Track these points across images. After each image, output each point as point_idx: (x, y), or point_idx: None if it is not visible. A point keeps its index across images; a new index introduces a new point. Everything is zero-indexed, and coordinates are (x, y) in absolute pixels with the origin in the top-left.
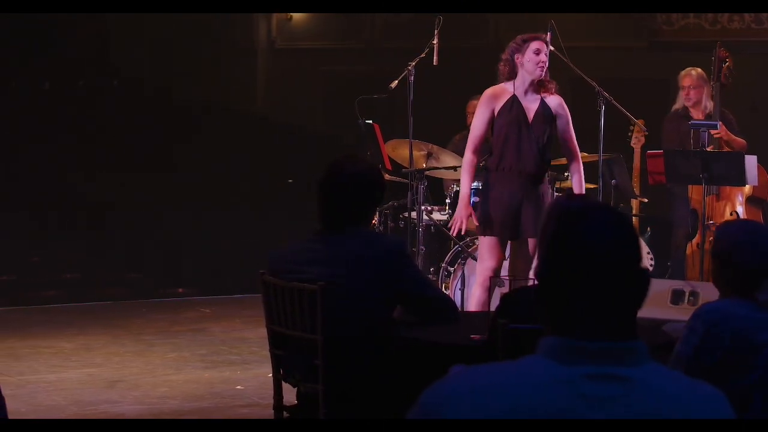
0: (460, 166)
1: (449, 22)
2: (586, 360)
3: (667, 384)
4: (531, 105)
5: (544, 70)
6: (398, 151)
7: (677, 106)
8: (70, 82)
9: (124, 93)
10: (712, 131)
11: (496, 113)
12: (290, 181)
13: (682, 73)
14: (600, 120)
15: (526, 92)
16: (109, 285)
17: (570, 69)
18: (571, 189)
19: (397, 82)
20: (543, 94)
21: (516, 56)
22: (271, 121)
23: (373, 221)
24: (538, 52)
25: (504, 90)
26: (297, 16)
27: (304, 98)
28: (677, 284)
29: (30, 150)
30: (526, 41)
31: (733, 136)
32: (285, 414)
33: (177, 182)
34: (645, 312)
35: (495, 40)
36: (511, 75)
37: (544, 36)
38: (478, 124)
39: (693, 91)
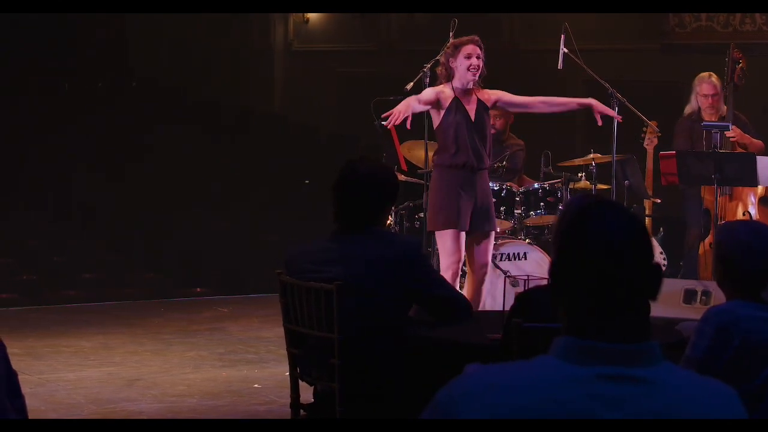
0: None
1: (464, 23)
2: (599, 360)
3: (679, 383)
4: (470, 105)
5: (477, 73)
6: (414, 152)
7: (690, 109)
8: (89, 82)
9: (143, 93)
10: (727, 133)
11: (441, 111)
12: (306, 181)
13: (699, 79)
14: (613, 121)
15: (463, 93)
16: (127, 285)
17: (583, 71)
18: (586, 190)
19: (412, 83)
20: (476, 93)
21: (450, 61)
22: (287, 122)
23: (389, 221)
24: (469, 57)
25: (446, 91)
26: (314, 19)
27: (321, 99)
28: (690, 284)
29: (50, 151)
30: (458, 46)
31: (750, 138)
32: (302, 412)
33: (194, 182)
34: (658, 311)
35: (510, 42)
36: (449, 78)
37: (477, 39)
38: (428, 92)
39: (713, 99)
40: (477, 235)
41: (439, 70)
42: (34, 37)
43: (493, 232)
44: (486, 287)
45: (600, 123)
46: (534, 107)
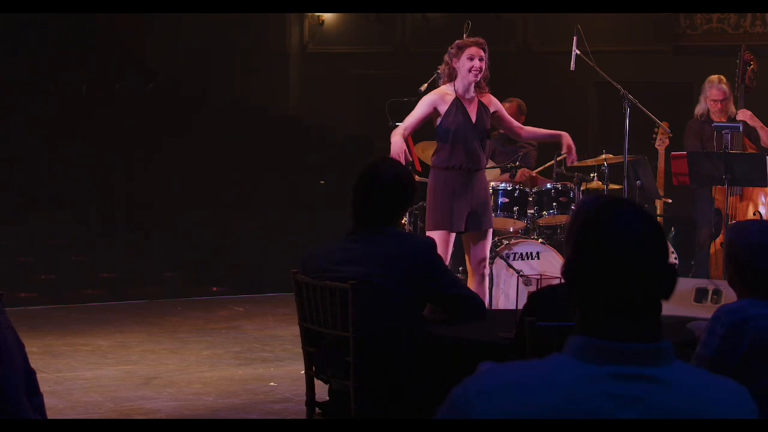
0: (488, 167)
1: (477, 26)
2: (612, 360)
3: (691, 382)
4: (471, 106)
5: (479, 75)
6: (428, 152)
7: (700, 110)
8: (108, 85)
9: (160, 95)
10: (738, 114)
11: (441, 114)
12: (322, 182)
13: (709, 83)
14: (625, 122)
15: (465, 94)
16: (145, 284)
17: (596, 72)
18: (599, 190)
19: (426, 85)
20: (478, 95)
21: (453, 61)
22: (303, 123)
23: (403, 221)
24: (471, 58)
25: (447, 93)
26: (329, 22)
27: (336, 101)
28: (701, 283)
29: (69, 152)
30: (462, 48)
31: (761, 123)
32: (317, 410)
33: (211, 182)
34: (669, 309)
35: (523, 44)
36: (451, 77)
37: (482, 42)
38: (416, 114)
39: (722, 104)
40: (474, 233)
41: (442, 68)
42: (53, 38)
43: (491, 230)
44: (488, 284)
45: (564, 152)
46: (521, 134)
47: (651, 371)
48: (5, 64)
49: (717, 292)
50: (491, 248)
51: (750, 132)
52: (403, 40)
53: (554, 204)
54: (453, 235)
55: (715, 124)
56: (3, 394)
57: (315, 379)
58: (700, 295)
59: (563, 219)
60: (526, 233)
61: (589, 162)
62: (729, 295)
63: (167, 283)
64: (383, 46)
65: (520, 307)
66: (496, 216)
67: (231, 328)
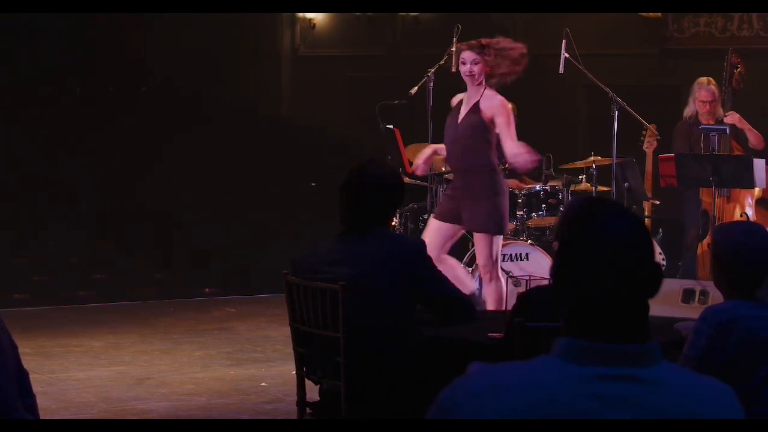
0: None
1: (467, 29)
2: (600, 361)
3: (678, 383)
4: (465, 107)
5: (474, 79)
6: (418, 155)
7: (689, 112)
8: (101, 87)
9: (152, 98)
10: (726, 118)
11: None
12: (313, 184)
13: (698, 84)
14: (613, 125)
15: (470, 96)
16: (138, 285)
17: (584, 75)
18: (587, 192)
19: (417, 88)
20: (483, 96)
21: (453, 69)
22: (295, 125)
23: (393, 222)
24: (464, 63)
25: (459, 98)
26: (320, 25)
27: (327, 104)
28: (688, 283)
29: (61, 154)
30: (456, 53)
31: (750, 126)
32: (308, 410)
33: (204, 184)
34: (656, 310)
35: None
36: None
37: (473, 43)
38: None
39: (711, 105)
40: (473, 236)
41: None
42: (46, 40)
43: (484, 235)
44: (494, 288)
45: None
46: (508, 155)
47: (638, 372)
48: (0, 65)
49: (704, 293)
50: None
51: (738, 134)
52: (394, 43)
53: (543, 206)
54: (443, 225)
55: (702, 126)
56: None
57: (306, 380)
58: (688, 295)
59: (552, 220)
60: (515, 234)
61: (578, 164)
62: (716, 296)
63: (159, 284)
64: (374, 48)
65: (509, 307)
66: None
67: (223, 329)
